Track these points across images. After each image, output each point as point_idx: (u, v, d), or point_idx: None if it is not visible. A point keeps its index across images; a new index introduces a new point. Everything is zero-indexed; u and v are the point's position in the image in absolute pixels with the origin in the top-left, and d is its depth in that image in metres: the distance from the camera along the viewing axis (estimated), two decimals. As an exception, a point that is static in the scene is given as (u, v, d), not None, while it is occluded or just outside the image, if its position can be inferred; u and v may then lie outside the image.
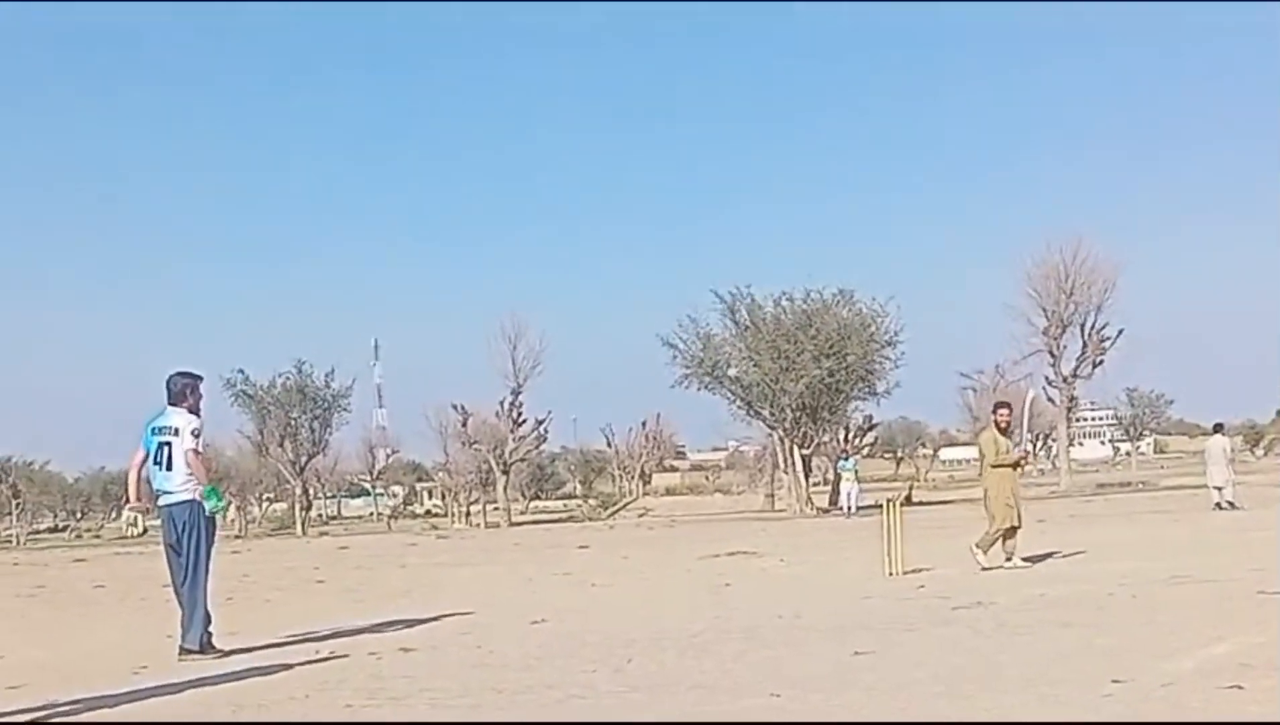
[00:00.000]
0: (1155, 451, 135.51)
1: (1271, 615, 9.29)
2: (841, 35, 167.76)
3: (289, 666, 9.23)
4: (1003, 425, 15.95)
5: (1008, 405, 16.68)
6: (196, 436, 10.25)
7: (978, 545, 15.47)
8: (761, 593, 14.35)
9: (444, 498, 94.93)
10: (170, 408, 10.37)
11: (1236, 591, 11.12)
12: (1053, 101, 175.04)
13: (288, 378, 70.25)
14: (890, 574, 14.98)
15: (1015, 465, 15.84)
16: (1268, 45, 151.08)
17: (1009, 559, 15.40)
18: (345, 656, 9.68)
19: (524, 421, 66.87)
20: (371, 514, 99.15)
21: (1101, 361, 62.45)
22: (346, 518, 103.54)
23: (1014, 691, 6.84)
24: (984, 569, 14.93)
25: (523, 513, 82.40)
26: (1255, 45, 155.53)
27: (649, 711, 6.86)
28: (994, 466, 15.58)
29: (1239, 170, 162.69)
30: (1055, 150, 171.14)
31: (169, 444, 10.18)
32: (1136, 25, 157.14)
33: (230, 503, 70.37)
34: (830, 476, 58.92)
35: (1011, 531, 15.54)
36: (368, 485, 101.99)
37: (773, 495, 62.19)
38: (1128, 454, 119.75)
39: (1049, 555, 16.65)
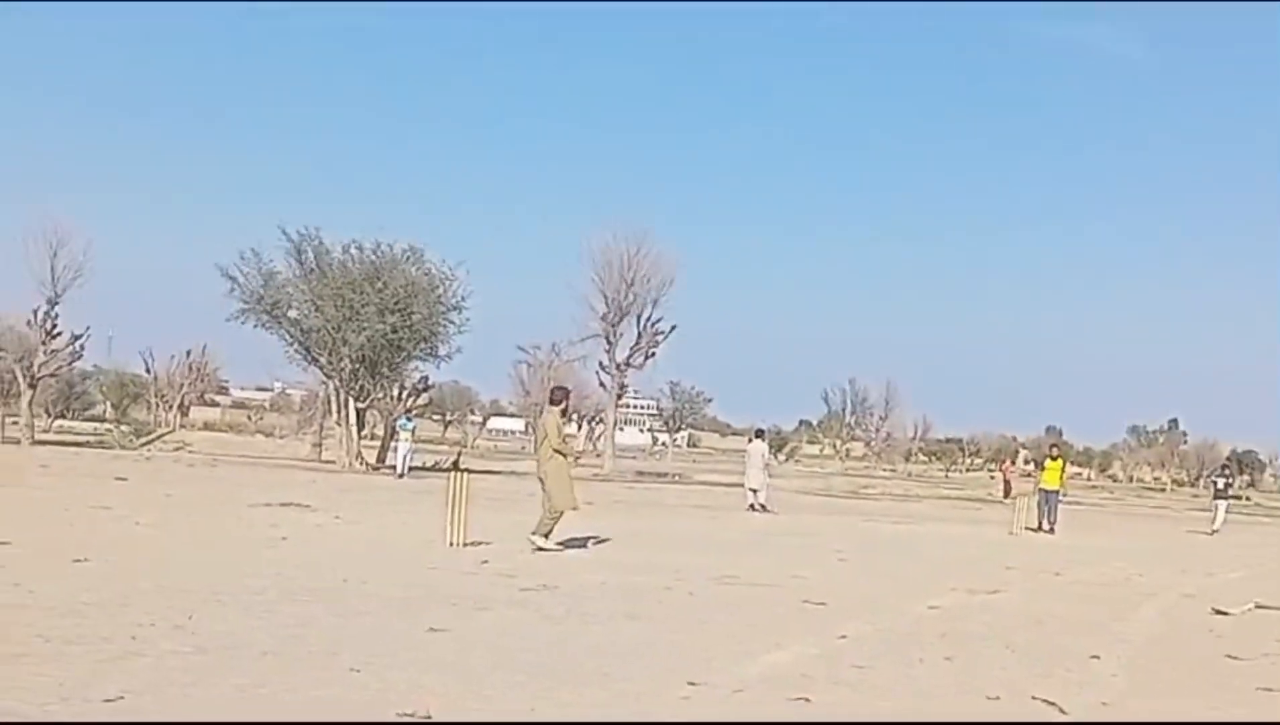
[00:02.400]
0: (689, 445, 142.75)
1: (819, 626, 9.83)
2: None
3: None
4: (566, 411, 16.15)
5: (567, 390, 16.98)
6: None
7: (536, 533, 15.45)
8: (322, 551, 13.94)
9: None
10: None
11: (783, 598, 11.72)
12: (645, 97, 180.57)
13: None
14: (452, 544, 14.88)
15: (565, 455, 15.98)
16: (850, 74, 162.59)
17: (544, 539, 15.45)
18: None
19: (58, 334, 62.51)
20: None
21: (654, 354, 65.05)
22: None
23: (594, 685, 6.89)
24: (538, 550, 14.99)
25: (45, 431, 77.03)
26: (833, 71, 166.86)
27: (219, 675, 6.45)
28: (556, 451, 15.62)
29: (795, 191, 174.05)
30: (630, 142, 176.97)
31: None
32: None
33: None
34: (380, 431, 58.36)
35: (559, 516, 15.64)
36: None
37: (320, 445, 60.98)
38: (664, 445, 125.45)
39: (602, 540, 17.02)
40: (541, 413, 16.71)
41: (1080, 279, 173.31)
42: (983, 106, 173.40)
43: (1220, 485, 34.10)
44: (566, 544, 15.74)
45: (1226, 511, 33.24)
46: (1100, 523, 35.14)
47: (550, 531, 15.42)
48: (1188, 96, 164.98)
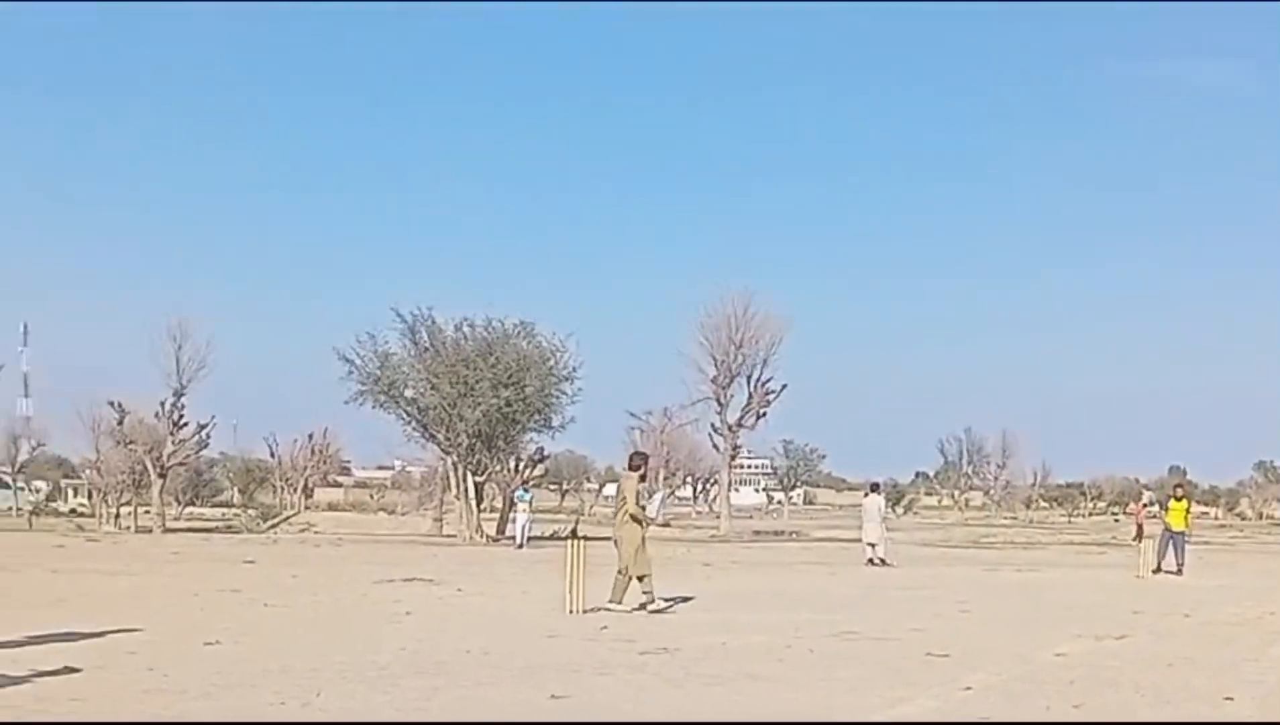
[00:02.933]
0: (805, 502, 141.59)
1: (943, 678, 9.75)
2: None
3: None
4: (643, 475, 16.34)
5: (645, 456, 17.25)
6: None
7: (612, 601, 15.48)
8: (444, 624, 14.11)
9: (91, 497, 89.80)
10: None
11: (905, 651, 11.64)
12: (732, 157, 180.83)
13: (-74, 354, 65.38)
14: (572, 611, 14.99)
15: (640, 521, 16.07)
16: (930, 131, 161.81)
17: (651, 603, 15.46)
18: (3, 675, 8.92)
19: (185, 424, 64.24)
20: (10, 509, 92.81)
21: (765, 413, 64.90)
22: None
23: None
24: (627, 612, 15.00)
25: (176, 518, 78.84)
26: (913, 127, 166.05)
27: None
28: (632, 517, 15.69)
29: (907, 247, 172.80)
30: (732, 203, 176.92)
31: None
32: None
33: None
34: (498, 504, 58.84)
35: (645, 577, 15.65)
36: (8, 478, 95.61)
37: (441, 520, 61.62)
38: (779, 503, 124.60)
39: (721, 601, 17.01)
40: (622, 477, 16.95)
41: (1199, 313, 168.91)
42: (1089, 145, 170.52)
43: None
44: (675, 599, 15.86)
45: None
46: (1229, 562, 34.26)
47: (623, 597, 15.53)
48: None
